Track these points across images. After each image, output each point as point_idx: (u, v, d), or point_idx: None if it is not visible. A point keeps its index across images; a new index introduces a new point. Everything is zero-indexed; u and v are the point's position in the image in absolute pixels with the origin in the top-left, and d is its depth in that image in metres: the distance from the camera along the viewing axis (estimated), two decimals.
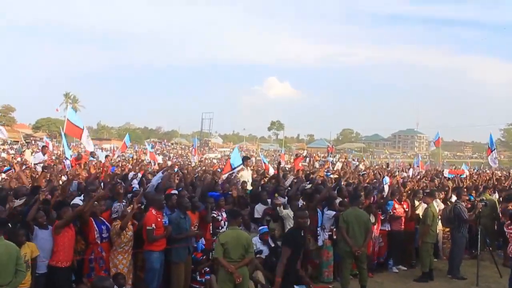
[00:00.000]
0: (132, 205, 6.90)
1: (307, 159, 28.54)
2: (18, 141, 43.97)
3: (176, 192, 8.01)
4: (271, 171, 13.88)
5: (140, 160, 19.74)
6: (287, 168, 17.40)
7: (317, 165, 22.28)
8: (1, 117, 64.03)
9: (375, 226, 9.07)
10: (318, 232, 8.34)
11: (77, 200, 7.46)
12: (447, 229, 10.01)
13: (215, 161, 38.73)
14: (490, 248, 9.85)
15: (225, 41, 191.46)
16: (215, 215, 8.03)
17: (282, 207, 8.21)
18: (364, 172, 15.04)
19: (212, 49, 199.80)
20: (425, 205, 9.50)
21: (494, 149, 17.99)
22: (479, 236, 8.98)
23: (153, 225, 6.72)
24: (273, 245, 7.94)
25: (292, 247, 5.96)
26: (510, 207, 9.74)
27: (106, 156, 16.32)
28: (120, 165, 17.50)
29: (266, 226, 8.16)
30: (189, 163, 26.55)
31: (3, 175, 11.34)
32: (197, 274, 7.44)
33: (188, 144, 67.78)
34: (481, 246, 9.25)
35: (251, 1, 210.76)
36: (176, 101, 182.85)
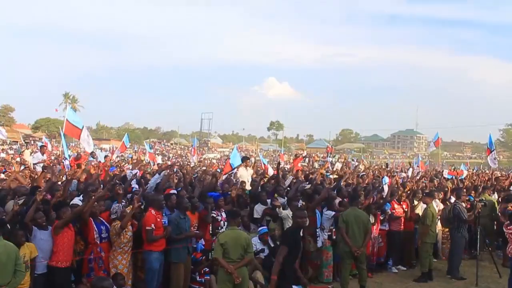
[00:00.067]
0: (132, 205, 6.90)
1: (307, 159, 28.57)
2: (17, 141, 44.03)
3: (175, 192, 8.00)
4: (270, 172, 13.86)
5: (139, 160, 19.72)
6: (286, 169, 17.39)
7: (316, 165, 22.30)
8: (0, 117, 63.98)
9: (375, 226, 9.08)
10: (318, 233, 8.35)
11: (76, 201, 7.46)
12: (447, 229, 10.01)
13: (214, 161, 38.73)
14: (490, 248, 9.86)
15: (225, 41, 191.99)
16: (215, 215, 8.03)
17: (281, 207, 8.22)
18: (363, 173, 15.02)
19: (212, 49, 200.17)
20: (424, 205, 9.50)
21: (494, 150, 17.98)
22: (478, 237, 8.99)
23: (153, 226, 6.71)
24: (272, 245, 7.93)
25: (289, 245, 5.95)
26: (509, 207, 9.77)
27: (106, 157, 16.29)
28: (119, 165, 17.49)
29: (265, 227, 8.16)
30: (188, 163, 26.52)
31: (2, 175, 11.33)
32: (197, 274, 7.43)
33: (188, 144, 67.82)
34: (481, 246, 9.27)
35: (251, 1, 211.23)
36: (176, 101, 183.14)
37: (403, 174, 17.62)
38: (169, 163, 21.07)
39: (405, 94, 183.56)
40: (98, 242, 6.61)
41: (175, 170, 12.81)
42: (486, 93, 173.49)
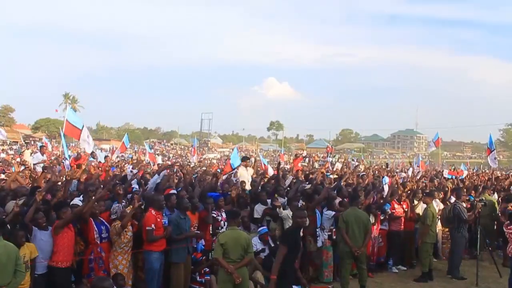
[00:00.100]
0: (132, 205, 6.90)
1: (307, 159, 28.56)
2: (17, 142, 44.04)
3: (175, 192, 8.00)
4: (271, 172, 13.85)
5: (140, 161, 19.72)
6: (286, 169, 17.39)
7: (316, 165, 22.29)
8: (0, 117, 63.98)
9: (375, 226, 9.07)
10: (318, 232, 8.35)
11: (77, 201, 7.45)
12: (447, 229, 10.01)
13: (214, 161, 38.72)
14: (490, 248, 9.86)
15: (225, 41, 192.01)
16: (215, 215, 8.03)
17: (281, 207, 8.21)
18: (363, 173, 15.02)
19: (212, 49, 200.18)
20: (424, 205, 9.50)
21: (494, 150, 17.98)
22: (478, 236, 8.99)
23: (153, 226, 6.71)
24: (273, 245, 7.93)
25: (288, 245, 5.95)
26: (509, 207, 9.77)
27: (106, 157, 16.29)
28: (119, 165, 17.49)
29: (266, 227, 8.16)
30: (189, 163, 26.52)
31: (2, 176, 11.33)
32: (197, 274, 7.43)
33: (188, 145, 67.81)
34: (481, 246, 9.27)
35: (251, 1, 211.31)
36: (176, 102, 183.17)
37: (403, 174, 17.61)
38: (169, 163, 21.08)
39: (405, 94, 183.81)
40: (98, 242, 6.61)
41: (175, 170, 12.83)
42: (486, 93, 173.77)
